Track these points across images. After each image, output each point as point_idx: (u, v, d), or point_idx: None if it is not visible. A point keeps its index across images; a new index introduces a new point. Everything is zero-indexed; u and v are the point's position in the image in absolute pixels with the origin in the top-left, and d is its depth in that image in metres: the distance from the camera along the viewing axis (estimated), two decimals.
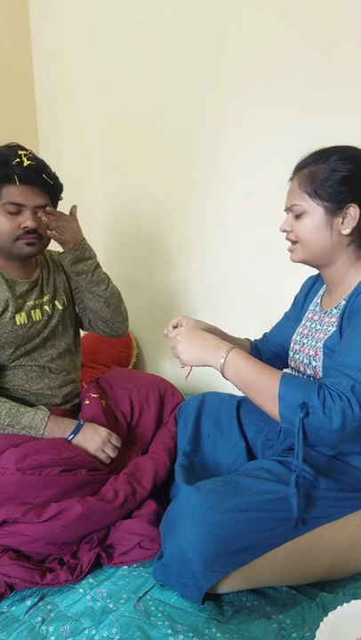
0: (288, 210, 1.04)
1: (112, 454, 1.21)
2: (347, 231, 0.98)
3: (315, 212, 0.99)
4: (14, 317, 1.26)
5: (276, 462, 1.01)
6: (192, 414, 1.28)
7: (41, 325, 1.33)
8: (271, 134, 1.71)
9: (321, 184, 0.97)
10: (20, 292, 1.30)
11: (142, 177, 2.09)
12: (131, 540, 1.05)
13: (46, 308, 1.35)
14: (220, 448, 1.22)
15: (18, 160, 1.18)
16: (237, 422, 1.25)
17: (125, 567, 1.02)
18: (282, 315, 1.31)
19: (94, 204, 2.22)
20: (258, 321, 1.52)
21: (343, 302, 1.01)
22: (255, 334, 1.38)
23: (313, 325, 1.10)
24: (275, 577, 0.93)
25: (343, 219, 0.98)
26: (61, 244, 1.31)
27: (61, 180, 1.30)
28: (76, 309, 1.47)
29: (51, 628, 0.87)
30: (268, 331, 1.35)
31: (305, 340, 1.10)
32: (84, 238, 1.35)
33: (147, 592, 0.94)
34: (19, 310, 1.28)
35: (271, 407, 0.91)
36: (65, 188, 1.32)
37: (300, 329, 1.16)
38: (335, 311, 1.04)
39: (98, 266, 1.38)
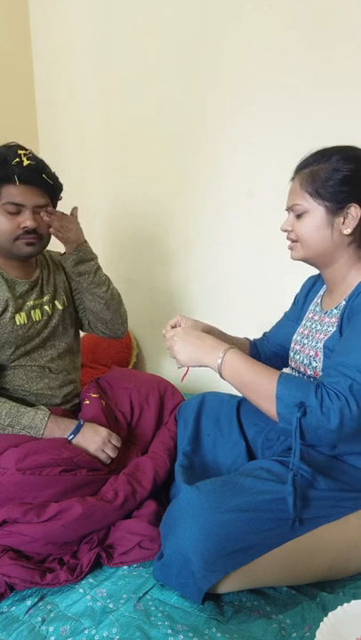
0: (289, 209, 1.05)
1: (112, 454, 1.21)
2: (348, 231, 0.98)
3: (316, 211, 0.99)
4: (14, 317, 1.26)
5: (276, 462, 1.01)
6: (192, 414, 1.28)
7: (41, 325, 1.33)
8: (271, 134, 1.71)
9: (322, 184, 0.97)
10: (19, 292, 1.30)
11: (142, 177, 2.09)
12: (131, 540, 1.05)
13: (46, 308, 1.35)
14: (220, 448, 1.22)
15: (18, 160, 1.18)
16: (237, 422, 1.25)
17: (125, 567, 1.02)
18: (282, 315, 1.31)
19: (94, 204, 2.22)
20: (258, 321, 1.52)
21: (343, 302, 1.01)
22: (255, 334, 1.38)
23: (313, 325, 1.10)
24: (275, 577, 0.93)
25: (344, 218, 0.98)
26: (65, 243, 1.31)
27: (61, 179, 1.30)
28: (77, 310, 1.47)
29: (51, 628, 0.87)
30: (268, 330, 1.35)
31: (305, 341, 1.10)
32: (86, 240, 1.36)
33: (147, 592, 0.94)
34: (18, 310, 1.27)
35: (269, 407, 0.91)
36: (65, 187, 1.32)
37: (300, 329, 1.16)
38: (335, 311, 1.04)
39: (99, 267, 1.39)
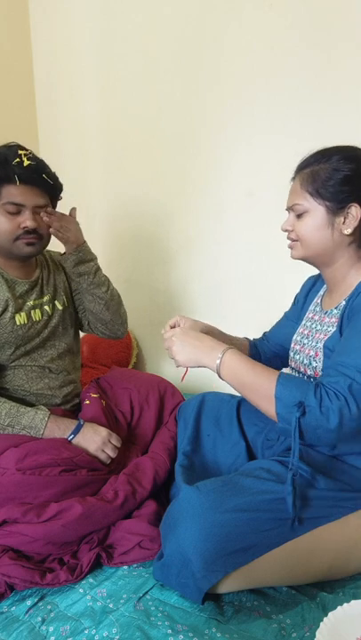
0: (290, 209, 1.05)
1: (112, 454, 1.21)
2: (348, 231, 0.98)
3: (316, 211, 0.99)
4: (14, 317, 1.26)
5: (276, 462, 1.01)
6: (192, 414, 1.28)
7: (41, 325, 1.33)
8: (271, 134, 1.71)
9: (323, 184, 0.97)
10: (19, 292, 1.30)
11: (142, 177, 2.09)
12: (131, 540, 1.05)
13: (46, 308, 1.35)
14: (220, 448, 1.22)
15: (18, 160, 1.18)
16: (237, 422, 1.25)
17: (125, 567, 1.02)
18: (282, 315, 1.31)
19: (94, 204, 2.23)
20: (258, 321, 1.52)
21: (343, 302, 1.01)
22: (255, 334, 1.38)
23: (313, 325, 1.10)
24: (275, 577, 0.93)
25: (345, 218, 0.98)
26: (65, 243, 1.32)
27: (61, 179, 1.30)
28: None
29: (51, 628, 0.87)
30: (268, 330, 1.35)
31: (305, 341, 1.10)
32: (85, 240, 1.36)
33: (147, 592, 0.94)
34: (18, 310, 1.27)
35: (268, 407, 0.91)
36: (65, 188, 1.32)
37: (300, 329, 1.16)
38: (335, 311, 1.04)
39: (99, 268, 1.39)
